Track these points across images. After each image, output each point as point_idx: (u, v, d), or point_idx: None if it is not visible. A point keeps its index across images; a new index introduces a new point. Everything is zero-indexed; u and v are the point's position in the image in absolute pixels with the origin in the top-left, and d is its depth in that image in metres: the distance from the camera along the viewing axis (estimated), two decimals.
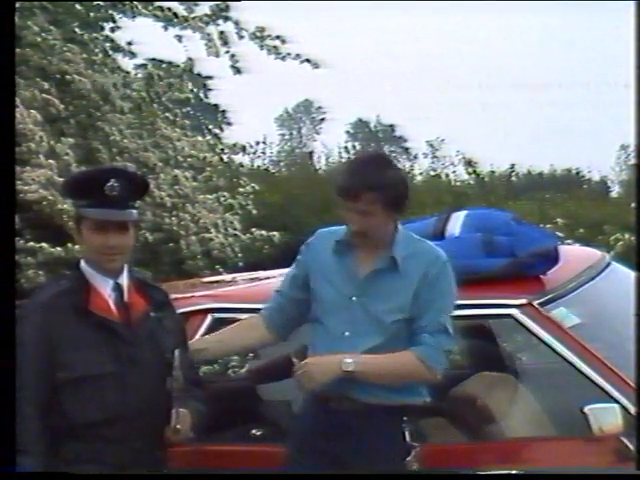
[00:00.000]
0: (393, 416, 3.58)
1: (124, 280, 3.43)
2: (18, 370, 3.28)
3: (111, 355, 3.34)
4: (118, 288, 3.41)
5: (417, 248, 3.63)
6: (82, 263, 3.45)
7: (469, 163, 16.28)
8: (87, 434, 3.30)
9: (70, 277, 3.47)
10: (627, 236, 10.07)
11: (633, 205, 9.86)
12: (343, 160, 19.78)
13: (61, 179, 7.21)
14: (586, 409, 3.64)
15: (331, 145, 23.33)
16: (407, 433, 3.59)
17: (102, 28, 9.10)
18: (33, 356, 3.30)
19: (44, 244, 6.94)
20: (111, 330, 3.36)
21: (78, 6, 8.84)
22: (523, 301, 3.94)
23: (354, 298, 3.59)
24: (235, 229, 8.64)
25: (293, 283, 3.79)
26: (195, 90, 9.98)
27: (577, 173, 25.70)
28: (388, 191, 3.53)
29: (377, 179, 3.51)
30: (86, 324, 3.33)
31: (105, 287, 3.39)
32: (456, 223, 4.31)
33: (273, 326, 3.78)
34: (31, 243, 6.91)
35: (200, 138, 9.79)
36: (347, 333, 3.58)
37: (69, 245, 7.02)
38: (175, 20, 8.93)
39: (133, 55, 9.35)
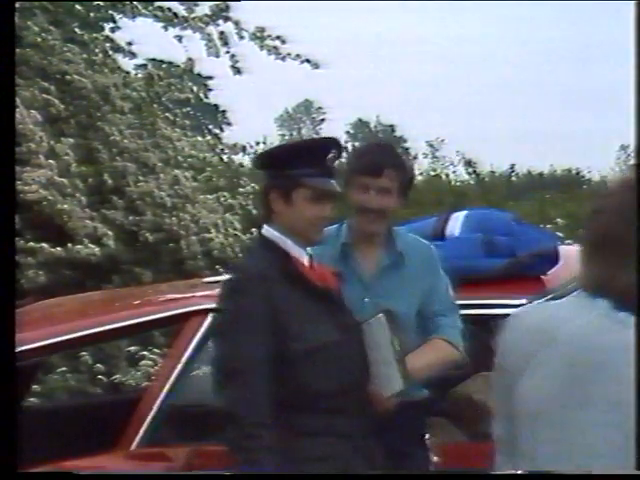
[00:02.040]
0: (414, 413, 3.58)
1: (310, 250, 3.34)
2: (235, 347, 3.11)
3: (333, 323, 3.24)
4: (310, 257, 3.32)
5: (409, 241, 3.70)
6: (272, 232, 3.28)
7: (469, 163, 16.33)
8: (320, 406, 3.17)
9: (264, 247, 3.29)
10: None
11: None
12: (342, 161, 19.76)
13: (61, 179, 7.25)
14: None
15: None
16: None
17: (102, 28, 9.13)
18: (260, 328, 3.11)
19: (44, 244, 6.95)
20: (329, 298, 3.27)
21: (78, 6, 8.86)
22: (523, 301, 3.93)
23: (366, 300, 3.57)
24: (235, 229, 8.63)
25: None
26: (195, 90, 9.96)
27: (577, 173, 25.67)
28: (406, 171, 3.63)
29: (397, 159, 3.62)
30: (304, 293, 3.21)
31: (303, 256, 3.28)
32: (456, 223, 4.30)
33: None
34: (31, 243, 6.92)
35: (200, 138, 9.82)
36: None
37: (69, 245, 7.04)
38: (175, 20, 8.95)
39: (133, 55, 9.37)
